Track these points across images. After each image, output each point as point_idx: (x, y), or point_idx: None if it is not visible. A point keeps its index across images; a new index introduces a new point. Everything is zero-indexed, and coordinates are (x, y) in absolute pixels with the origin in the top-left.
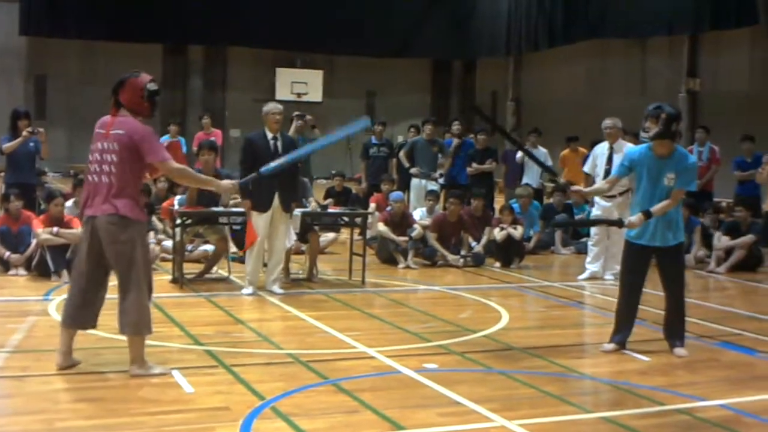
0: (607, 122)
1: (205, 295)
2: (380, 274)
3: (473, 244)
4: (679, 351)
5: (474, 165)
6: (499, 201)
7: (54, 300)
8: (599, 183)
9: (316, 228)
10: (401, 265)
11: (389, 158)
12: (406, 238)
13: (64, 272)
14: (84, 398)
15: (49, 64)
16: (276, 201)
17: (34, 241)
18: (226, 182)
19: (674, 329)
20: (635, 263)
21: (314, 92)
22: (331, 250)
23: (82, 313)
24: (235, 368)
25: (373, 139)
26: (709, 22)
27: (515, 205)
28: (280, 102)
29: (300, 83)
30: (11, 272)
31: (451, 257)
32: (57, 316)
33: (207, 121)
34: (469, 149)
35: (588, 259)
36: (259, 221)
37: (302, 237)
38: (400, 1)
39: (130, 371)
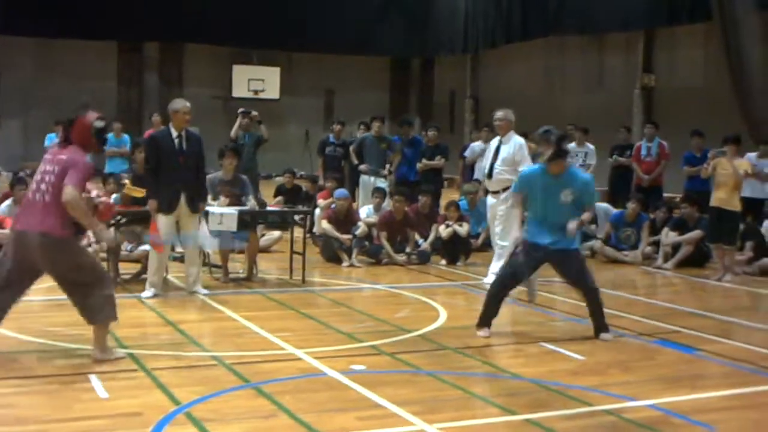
0: (499, 114)
1: (138, 296)
2: (324, 273)
3: (420, 241)
4: (605, 336)
5: (423, 161)
6: (453, 198)
7: None
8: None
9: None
10: (345, 264)
11: (345, 158)
12: (349, 236)
13: None
14: None
15: (3, 61)
16: (182, 201)
17: None
18: (106, 232)
19: (596, 318)
20: (530, 261)
21: (271, 89)
22: (278, 248)
23: None
24: (155, 372)
25: (331, 137)
26: (665, 18)
27: (463, 202)
28: (238, 99)
29: (257, 80)
30: None
31: (396, 256)
32: None
33: (157, 118)
34: (420, 146)
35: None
36: (163, 222)
37: None
38: None
39: (92, 355)
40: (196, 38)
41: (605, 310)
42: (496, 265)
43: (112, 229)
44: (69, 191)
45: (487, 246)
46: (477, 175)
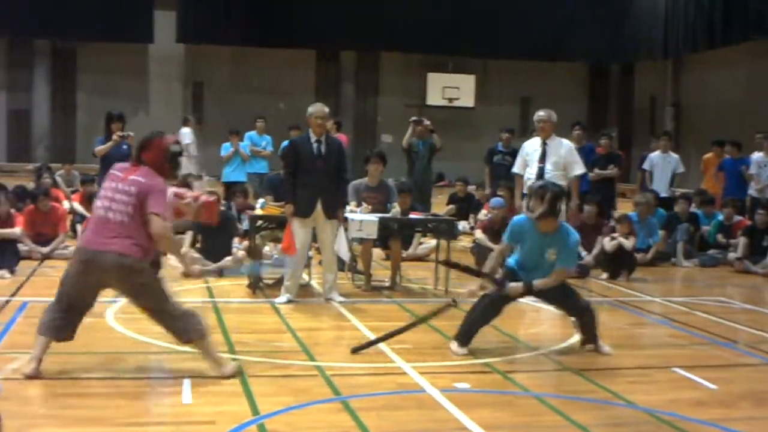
0: (541, 114)
1: (272, 301)
2: (473, 284)
3: (583, 254)
4: (604, 348)
5: (596, 171)
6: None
7: (119, 301)
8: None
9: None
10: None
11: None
12: None
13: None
14: (76, 405)
15: (205, 71)
16: (318, 207)
17: None
18: (192, 262)
19: (591, 336)
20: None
21: (466, 97)
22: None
23: (60, 327)
24: (250, 379)
25: (499, 146)
26: None
27: (633, 214)
28: (432, 107)
29: (452, 88)
30: None
31: None
32: None
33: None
34: (592, 155)
35: None
36: (298, 227)
37: (384, 243)
38: (554, 3)
39: (222, 374)
40: (392, 46)
41: None
42: None
43: (197, 265)
44: (158, 224)
45: (656, 261)
46: (655, 186)
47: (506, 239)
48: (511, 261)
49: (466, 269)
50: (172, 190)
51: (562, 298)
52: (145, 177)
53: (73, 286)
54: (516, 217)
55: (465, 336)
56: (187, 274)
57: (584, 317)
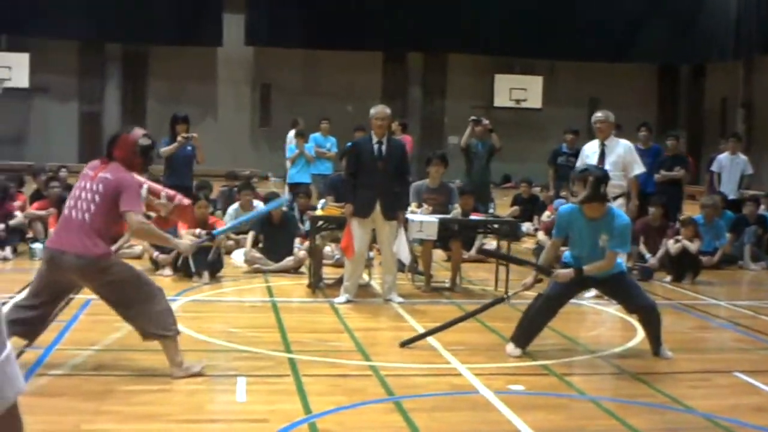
0: (598, 115)
1: (332, 301)
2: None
3: (647, 256)
4: (666, 353)
5: (662, 172)
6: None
7: (180, 300)
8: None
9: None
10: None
11: None
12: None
13: (205, 273)
14: (133, 401)
15: (273, 74)
16: (378, 208)
17: None
18: (185, 242)
19: (654, 338)
20: (569, 285)
21: (533, 99)
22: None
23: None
24: (305, 378)
25: (564, 147)
26: None
27: (699, 216)
28: (499, 109)
29: (519, 89)
30: (158, 272)
31: None
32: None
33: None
34: (659, 156)
35: None
36: (357, 228)
37: (445, 245)
38: (623, 3)
39: (171, 375)
40: (459, 48)
41: None
42: None
43: (187, 238)
44: (132, 220)
45: (723, 264)
46: (723, 187)
47: (555, 232)
48: (566, 255)
49: (507, 258)
50: (146, 185)
51: (625, 292)
52: (113, 174)
53: (41, 285)
54: (562, 207)
55: (521, 338)
56: (180, 253)
57: (647, 316)
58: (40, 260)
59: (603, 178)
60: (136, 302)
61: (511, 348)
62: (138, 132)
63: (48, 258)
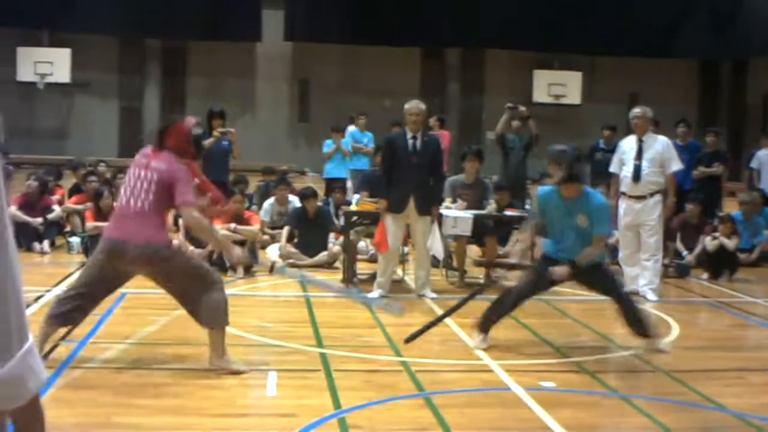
0: (636, 111)
1: (366, 296)
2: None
3: (684, 253)
4: (659, 346)
5: (700, 168)
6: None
7: None
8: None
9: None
10: None
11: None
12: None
13: (240, 267)
14: (164, 394)
15: (312, 69)
16: (411, 204)
17: None
18: (237, 250)
19: (636, 327)
20: (542, 276)
21: (573, 95)
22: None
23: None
24: (336, 373)
25: (601, 143)
26: None
27: (737, 213)
28: (538, 105)
29: (558, 85)
30: None
31: None
32: None
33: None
34: (697, 152)
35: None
36: (391, 223)
37: (479, 241)
38: None
39: (209, 363)
40: (498, 44)
41: None
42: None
43: (238, 249)
44: (187, 214)
45: (762, 261)
46: (762, 184)
47: (532, 215)
48: (546, 246)
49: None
50: (196, 180)
51: (609, 285)
52: (166, 164)
53: (95, 275)
54: (540, 189)
55: (484, 324)
56: (228, 259)
57: (620, 305)
58: (78, 254)
59: (578, 157)
60: (194, 291)
61: (480, 341)
62: (191, 120)
63: (109, 248)
